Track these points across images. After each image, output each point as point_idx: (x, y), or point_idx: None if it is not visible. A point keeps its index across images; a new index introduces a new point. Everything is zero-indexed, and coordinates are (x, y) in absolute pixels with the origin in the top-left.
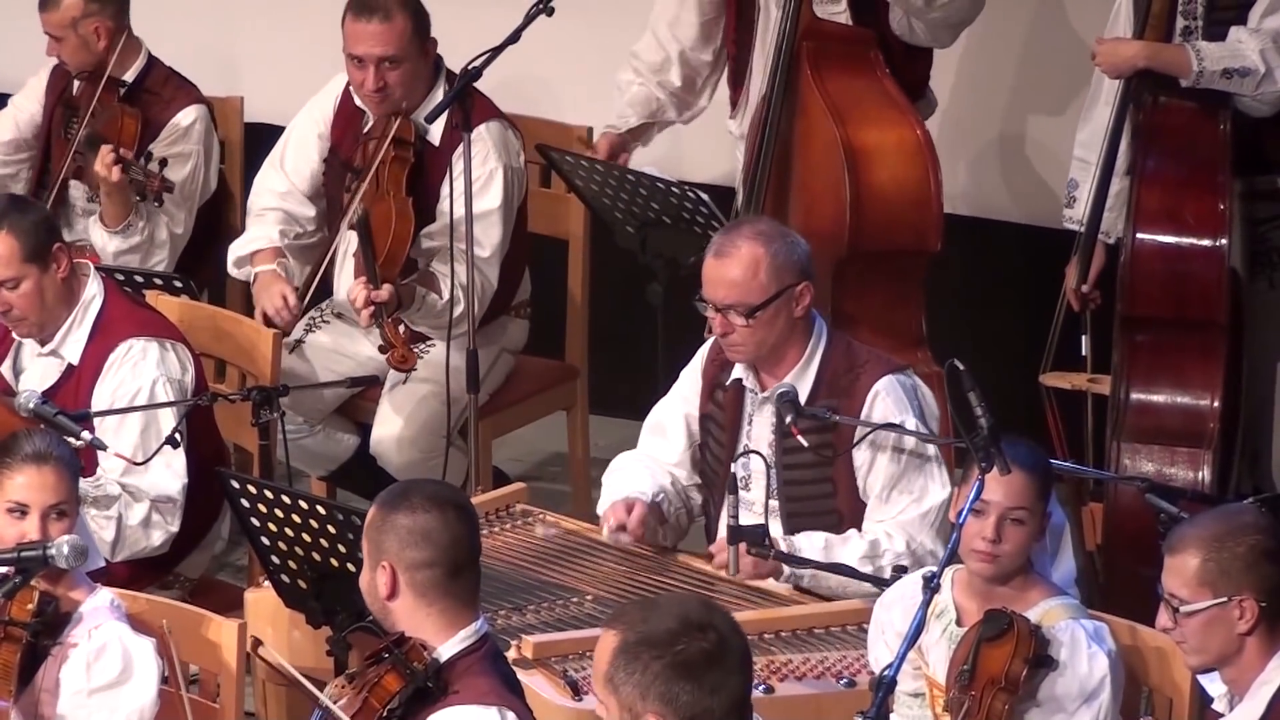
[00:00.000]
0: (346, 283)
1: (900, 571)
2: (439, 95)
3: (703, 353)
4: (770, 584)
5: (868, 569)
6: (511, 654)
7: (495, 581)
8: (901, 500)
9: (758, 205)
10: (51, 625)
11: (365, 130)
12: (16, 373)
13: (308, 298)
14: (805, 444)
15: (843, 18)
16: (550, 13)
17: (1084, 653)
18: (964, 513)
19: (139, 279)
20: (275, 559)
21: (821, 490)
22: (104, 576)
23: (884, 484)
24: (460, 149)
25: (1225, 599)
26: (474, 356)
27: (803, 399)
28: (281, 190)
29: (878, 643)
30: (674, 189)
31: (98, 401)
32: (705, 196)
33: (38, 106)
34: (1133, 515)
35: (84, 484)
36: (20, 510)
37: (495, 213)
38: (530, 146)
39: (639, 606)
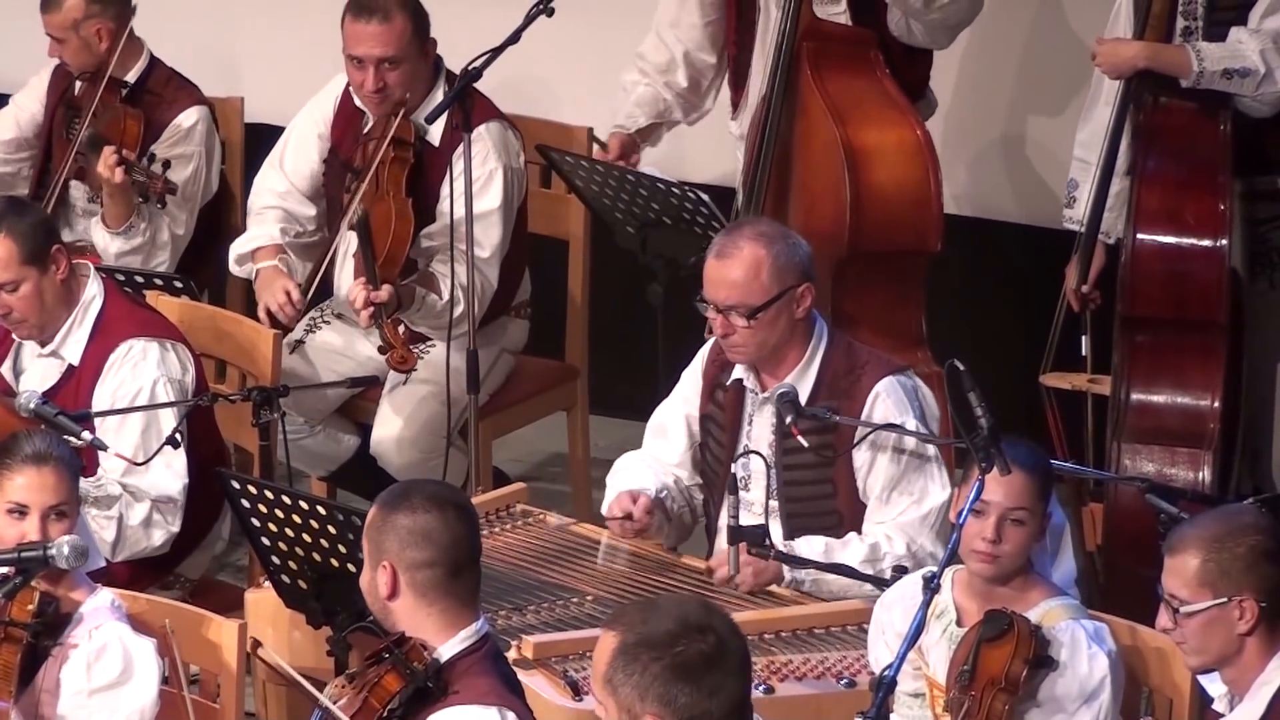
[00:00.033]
0: (347, 283)
1: (900, 572)
2: (439, 95)
3: (703, 353)
4: (770, 586)
5: (869, 572)
6: (512, 654)
7: (495, 581)
8: (901, 501)
9: (758, 206)
10: (52, 626)
11: (365, 130)
12: (17, 373)
13: (308, 298)
14: (805, 444)
15: (843, 18)
16: (550, 13)
17: (1084, 653)
18: (964, 513)
19: (139, 279)
20: (275, 559)
21: (821, 491)
22: (104, 577)
23: (884, 485)
24: (460, 149)
25: (1225, 599)
26: (474, 357)
27: (803, 400)
28: (281, 190)
29: (878, 643)
30: (674, 189)
31: (98, 402)
32: (705, 197)
33: (39, 106)
34: (1133, 515)
35: (85, 484)
36: (20, 511)
37: (495, 213)
38: (530, 146)
39: (638, 607)
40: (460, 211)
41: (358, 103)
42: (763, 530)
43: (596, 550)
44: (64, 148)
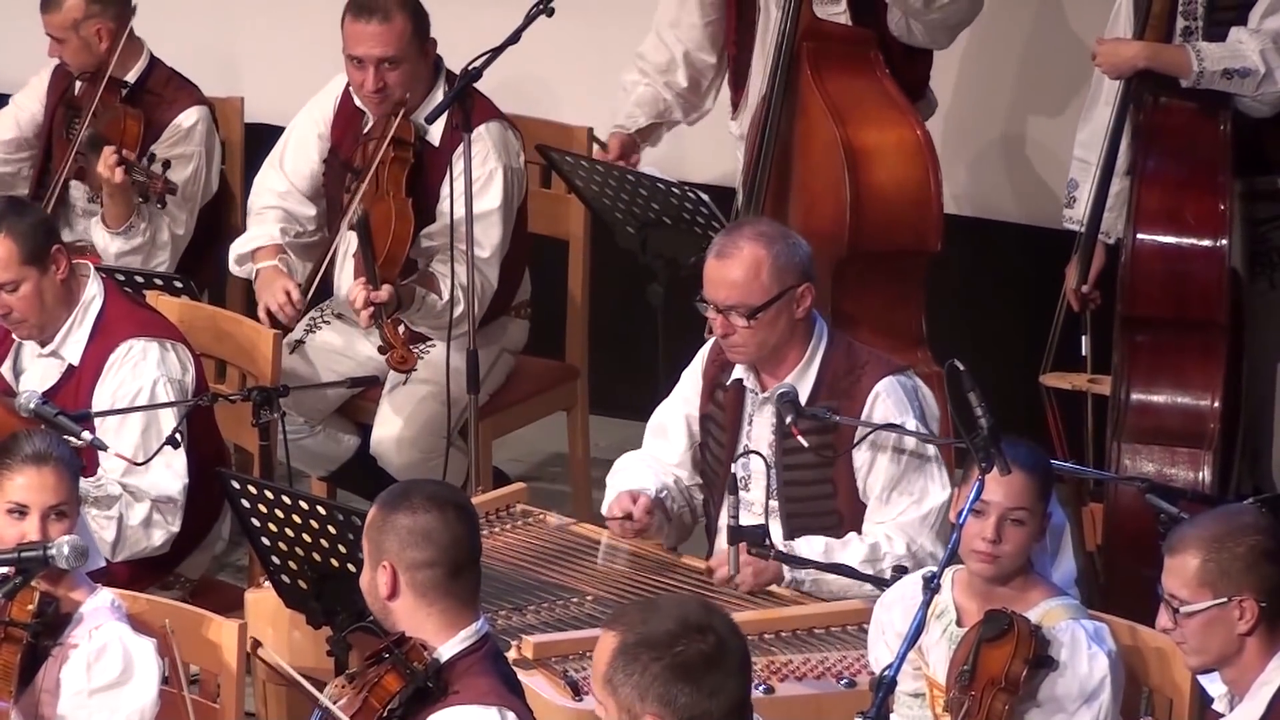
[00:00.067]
0: (347, 283)
1: (900, 572)
2: (439, 95)
3: (703, 353)
4: (770, 586)
5: (869, 572)
6: (512, 654)
7: (495, 581)
8: (901, 502)
9: (758, 206)
10: (52, 626)
11: (365, 130)
12: (17, 373)
13: (308, 298)
14: (805, 444)
15: (843, 18)
16: (550, 13)
17: (1084, 653)
18: (964, 513)
19: (139, 279)
20: (275, 559)
21: (821, 491)
22: (104, 577)
23: (884, 485)
24: (460, 149)
25: (1225, 599)
26: (474, 357)
27: (803, 400)
28: (281, 190)
29: (878, 643)
30: (674, 189)
31: (98, 402)
32: (705, 197)
33: (39, 106)
34: (1133, 515)
35: (85, 484)
36: (20, 511)
37: (495, 213)
38: (530, 146)
39: (638, 607)
40: (460, 211)
41: (358, 103)
42: (763, 530)
43: (596, 550)
44: (64, 148)
